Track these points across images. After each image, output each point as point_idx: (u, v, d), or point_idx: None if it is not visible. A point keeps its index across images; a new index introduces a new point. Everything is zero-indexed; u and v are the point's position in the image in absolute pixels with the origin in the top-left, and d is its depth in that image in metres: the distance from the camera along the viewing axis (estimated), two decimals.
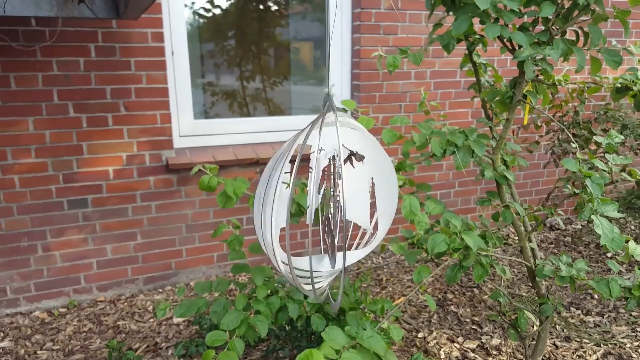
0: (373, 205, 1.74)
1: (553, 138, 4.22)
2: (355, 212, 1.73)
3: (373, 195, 1.73)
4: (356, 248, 1.79)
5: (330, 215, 1.71)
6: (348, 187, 1.68)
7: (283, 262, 1.55)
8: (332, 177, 1.71)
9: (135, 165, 3.62)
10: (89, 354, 3.09)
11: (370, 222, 1.75)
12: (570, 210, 5.32)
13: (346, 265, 1.67)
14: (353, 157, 1.65)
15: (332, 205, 1.71)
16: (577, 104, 3.56)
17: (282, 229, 1.93)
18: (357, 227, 3.22)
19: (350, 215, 1.73)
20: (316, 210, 1.75)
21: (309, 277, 1.58)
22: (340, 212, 1.69)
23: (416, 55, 2.40)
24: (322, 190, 1.73)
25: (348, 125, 1.61)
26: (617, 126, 4.28)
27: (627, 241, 1.96)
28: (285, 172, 1.47)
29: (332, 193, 1.72)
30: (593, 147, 4.04)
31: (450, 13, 2.17)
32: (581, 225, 5.02)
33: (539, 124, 4.02)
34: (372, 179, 1.70)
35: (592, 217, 1.90)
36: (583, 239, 4.72)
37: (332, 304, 1.69)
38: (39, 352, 3.12)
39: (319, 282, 1.68)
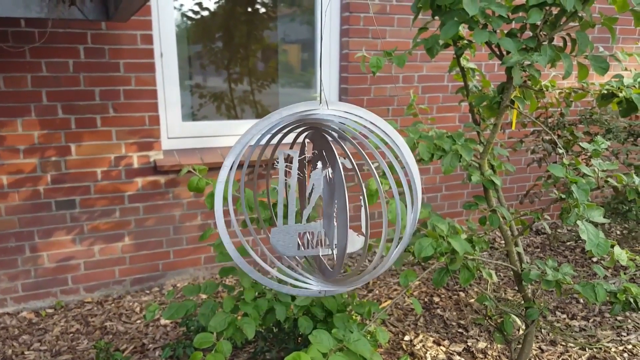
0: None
1: (538, 139, 4.25)
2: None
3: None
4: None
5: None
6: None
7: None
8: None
9: (123, 166, 3.61)
10: (76, 355, 3.08)
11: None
12: (556, 214, 5.36)
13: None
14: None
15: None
16: (562, 107, 3.59)
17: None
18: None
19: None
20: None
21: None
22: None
23: (400, 58, 2.42)
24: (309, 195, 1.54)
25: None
26: (601, 130, 4.31)
27: (612, 246, 1.99)
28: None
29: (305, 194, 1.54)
30: (576, 149, 4.07)
31: (436, 18, 2.20)
32: (566, 230, 5.06)
33: (525, 122, 4.05)
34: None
35: (578, 222, 1.92)
36: (562, 240, 4.76)
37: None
38: (26, 352, 3.11)
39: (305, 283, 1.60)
